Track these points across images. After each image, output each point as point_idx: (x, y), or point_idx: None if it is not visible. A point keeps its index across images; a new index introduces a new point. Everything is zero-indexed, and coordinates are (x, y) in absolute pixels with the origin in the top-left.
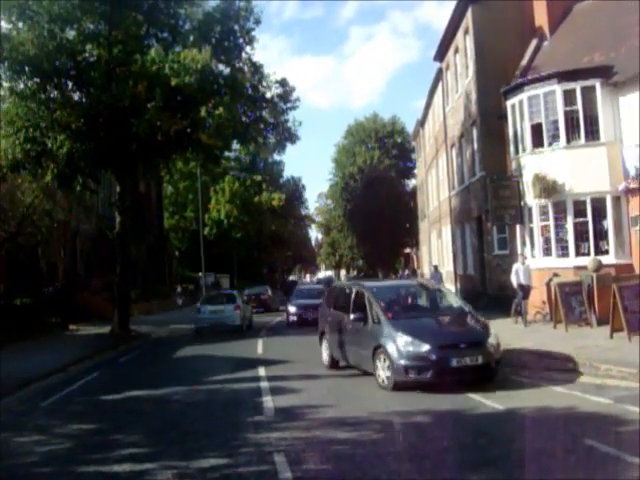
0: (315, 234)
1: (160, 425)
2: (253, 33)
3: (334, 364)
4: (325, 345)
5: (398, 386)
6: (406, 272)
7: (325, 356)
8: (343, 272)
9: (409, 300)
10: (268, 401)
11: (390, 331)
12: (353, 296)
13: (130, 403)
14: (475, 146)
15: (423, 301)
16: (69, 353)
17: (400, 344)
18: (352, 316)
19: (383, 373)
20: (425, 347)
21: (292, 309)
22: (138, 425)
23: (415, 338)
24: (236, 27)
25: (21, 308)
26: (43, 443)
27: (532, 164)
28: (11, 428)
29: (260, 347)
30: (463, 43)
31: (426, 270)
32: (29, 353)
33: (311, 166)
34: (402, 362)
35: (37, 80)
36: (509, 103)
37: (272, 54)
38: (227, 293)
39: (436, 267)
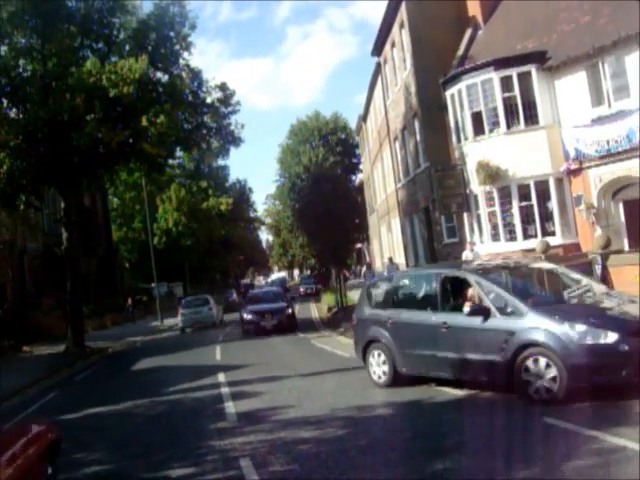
0: (265, 236)
1: (123, 440)
2: (189, 39)
3: (397, 379)
4: (381, 357)
5: (571, 395)
6: (363, 268)
7: (380, 371)
8: (296, 272)
9: (522, 283)
10: (230, 407)
11: (545, 322)
12: (439, 287)
13: (91, 420)
14: (418, 137)
15: (535, 283)
16: (24, 375)
17: (573, 336)
18: (466, 310)
19: (543, 381)
20: (612, 336)
21: (247, 316)
22: (100, 442)
23: (592, 326)
24: (172, 33)
25: None
26: None
27: (475, 152)
28: None
29: (218, 353)
30: (399, 37)
31: (378, 264)
32: None
33: (257, 168)
34: (582, 360)
35: None
36: (448, 93)
37: (210, 58)
38: (202, 298)
39: (391, 259)
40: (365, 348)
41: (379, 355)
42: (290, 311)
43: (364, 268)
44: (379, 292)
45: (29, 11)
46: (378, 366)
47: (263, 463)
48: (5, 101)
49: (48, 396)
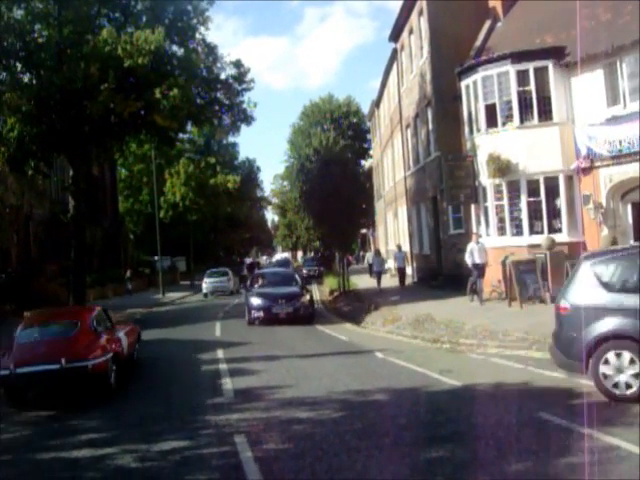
0: (271, 216)
1: (119, 410)
2: (207, 13)
3: None
4: (625, 359)
5: None
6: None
7: (626, 379)
8: (300, 254)
9: None
10: (227, 383)
11: None
12: None
13: None
14: (430, 126)
15: None
16: None
17: None
18: None
19: None
20: None
21: (255, 301)
22: (96, 410)
23: None
24: (189, 7)
25: None
26: (1, 431)
27: (486, 144)
28: None
29: (218, 329)
30: (417, 24)
31: (382, 250)
32: None
33: (266, 147)
34: None
35: None
36: (463, 84)
37: (226, 34)
38: (223, 270)
39: (399, 247)
40: (593, 348)
41: (624, 357)
42: (308, 298)
43: (368, 254)
44: (616, 271)
45: None
46: (620, 372)
47: (257, 441)
48: (19, 65)
49: None
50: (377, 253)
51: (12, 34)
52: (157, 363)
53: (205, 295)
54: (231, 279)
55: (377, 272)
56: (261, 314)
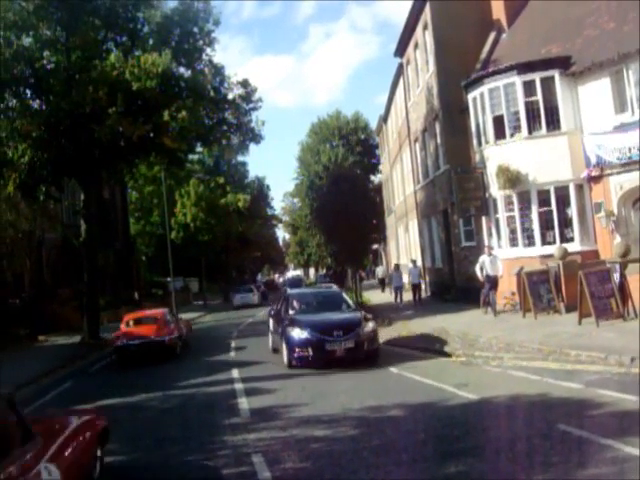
0: (282, 234)
1: (136, 432)
2: (213, 35)
3: None
4: None
5: None
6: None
7: None
8: (312, 271)
9: None
10: (243, 402)
11: None
12: None
13: (104, 412)
14: (438, 140)
15: None
16: (40, 364)
17: None
18: None
19: None
20: None
21: (298, 334)
22: (114, 433)
23: None
24: (195, 29)
25: None
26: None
27: (495, 156)
28: None
29: (233, 349)
30: (423, 38)
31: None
32: None
33: (276, 166)
34: None
35: None
36: (470, 96)
37: (232, 54)
38: (248, 287)
39: (414, 262)
40: None
41: None
42: (372, 326)
43: (378, 268)
44: None
45: (54, 3)
46: None
47: (275, 460)
48: (29, 92)
49: (62, 386)
50: (396, 268)
51: (21, 61)
52: (172, 385)
53: (236, 308)
54: (255, 294)
55: (397, 287)
56: (309, 352)
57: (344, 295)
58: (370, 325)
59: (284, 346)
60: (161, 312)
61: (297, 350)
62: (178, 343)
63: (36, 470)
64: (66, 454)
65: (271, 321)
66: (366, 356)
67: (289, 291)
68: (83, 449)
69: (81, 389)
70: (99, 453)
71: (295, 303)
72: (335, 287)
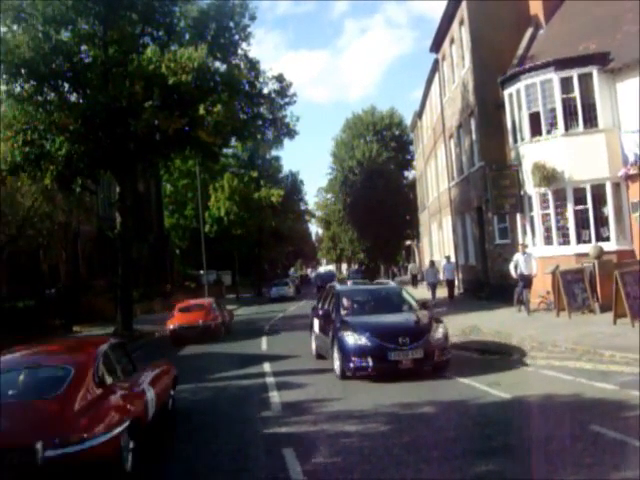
0: (315, 229)
1: (167, 424)
2: (248, 29)
3: None
4: None
5: None
6: (409, 265)
7: None
8: (344, 266)
9: None
10: (275, 396)
11: None
12: None
13: None
14: (473, 136)
15: None
16: None
17: None
18: None
19: None
20: None
21: (355, 340)
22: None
23: None
24: (231, 24)
25: (24, 311)
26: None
27: (531, 153)
28: None
29: (264, 343)
30: (459, 34)
31: (427, 262)
32: None
33: (309, 160)
34: None
35: (34, 83)
36: (506, 92)
37: (267, 49)
38: (285, 281)
39: (448, 258)
40: None
41: None
42: (442, 332)
43: (410, 265)
44: None
45: None
46: None
47: (306, 454)
48: (67, 86)
49: None
50: (431, 264)
51: (60, 56)
52: (204, 377)
53: (272, 300)
54: (291, 287)
55: (432, 284)
56: (368, 362)
57: (404, 293)
58: (440, 330)
59: (336, 353)
60: (208, 301)
61: (354, 359)
62: (222, 328)
63: (142, 387)
64: (156, 384)
65: (316, 322)
66: (434, 368)
67: (338, 287)
68: (165, 384)
69: None
70: (172, 392)
71: (347, 302)
72: (392, 283)
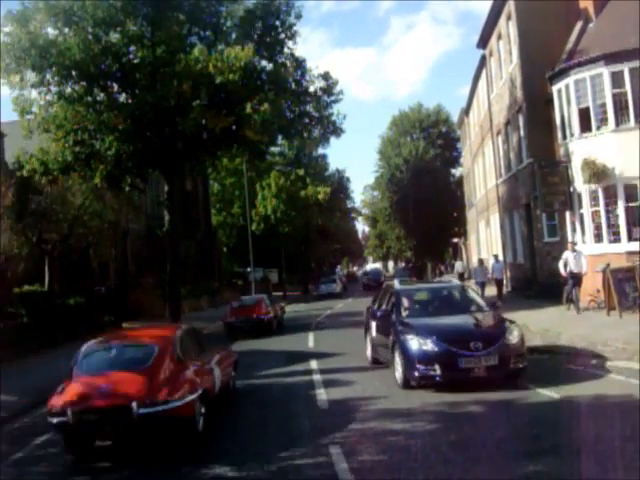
0: (362, 226)
1: (214, 420)
2: (294, 28)
3: None
4: None
5: None
6: (456, 262)
7: None
8: (391, 264)
9: None
10: (322, 393)
11: None
12: None
13: None
14: (522, 132)
15: None
16: None
17: None
18: None
19: None
20: None
21: (420, 345)
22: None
23: None
24: (277, 23)
25: (75, 307)
26: None
27: (580, 149)
28: None
29: (311, 340)
30: (506, 29)
31: (474, 260)
32: None
33: (356, 158)
34: None
35: (84, 83)
36: (555, 88)
37: (313, 47)
38: (332, 278)
39: (497, 256)
40: None
41: None
42: (517, 335)
43: (457, 263)
44: None
45: (141, 0)
46: None
47: (353, 452)
48: (116, 86)
49: None
50: (480, 262)
51: (109, 56)
52: (251, 374)
53: (320, 296)
54: (339, 284)
55: (481, 283)
56: (436, 371)
57: (471, 291)
58: (515, 333)
59: (397, 359)
60: (260, 297)
61: (418, 366)
62: (273, 321)
63: (210, 365)
64: (221, 364)
65: (373, 324)
66: (508, 376)
67: (397, 285)
68: (228, 366)
69: None
70: (233, 374)
71: (408, 302)
72: (456, 280)
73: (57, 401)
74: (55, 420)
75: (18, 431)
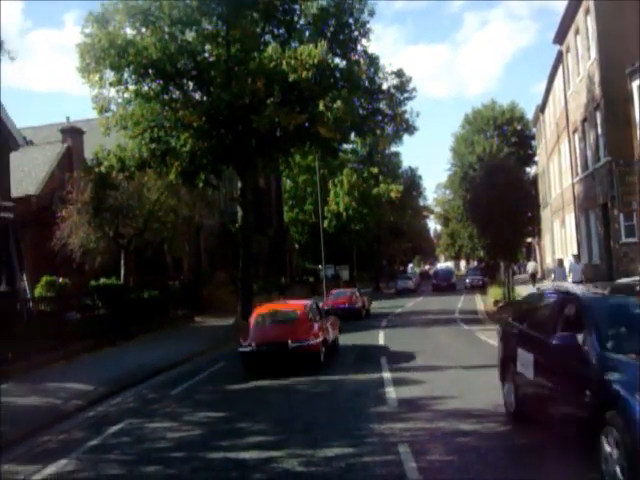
0: (434, 225)
1: (285, 414)
2: (367, 25)
3: None
4: None
5: None
6: (529, 263)
7: None
8: (463, 263)
9: None
10: (391, 392)
11: None
12: None
13: (255, 392)
14: (599, 130)
15: None
16: (195, 344)
17: None
18: None
19: None
20: None
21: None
22: (264, 414)
23: None
24: (350, 20)
25: (150, 301)
26: (174, 429)
27: None
28: (143, 415)
29: (381, 338)
30: (584, 24)
31: (548, 260)
32: (158, 344)
33: (428, 156)
34: None
35: (160, 82)
36: (635, 84)
37: (386, 44)
38: (407, 275)
39: (576, 257)
40: None
41: None
42: None
43: (530, 263)
44: None
45: None
46: None
47: (421, 451)
48: (191, 84)
49: (216, 365)
50: (560, 263)
51: (185, 55)
52: (322, 370)
53: (396, 292)
54: (413, 281)
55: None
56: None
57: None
58: None
59: (609, 440)
60: (353, 290)
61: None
62: (362, 310)
63: (327, 325)
64: (333, 326)
65: (522, 354)
66: None
67: (583, 295)
68: (335, 327)
69: (233, 369)
70: (337, 334)
71: (609, 325)
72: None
73: (245, 339)
74: (244, 350)
75: (94, 419)
